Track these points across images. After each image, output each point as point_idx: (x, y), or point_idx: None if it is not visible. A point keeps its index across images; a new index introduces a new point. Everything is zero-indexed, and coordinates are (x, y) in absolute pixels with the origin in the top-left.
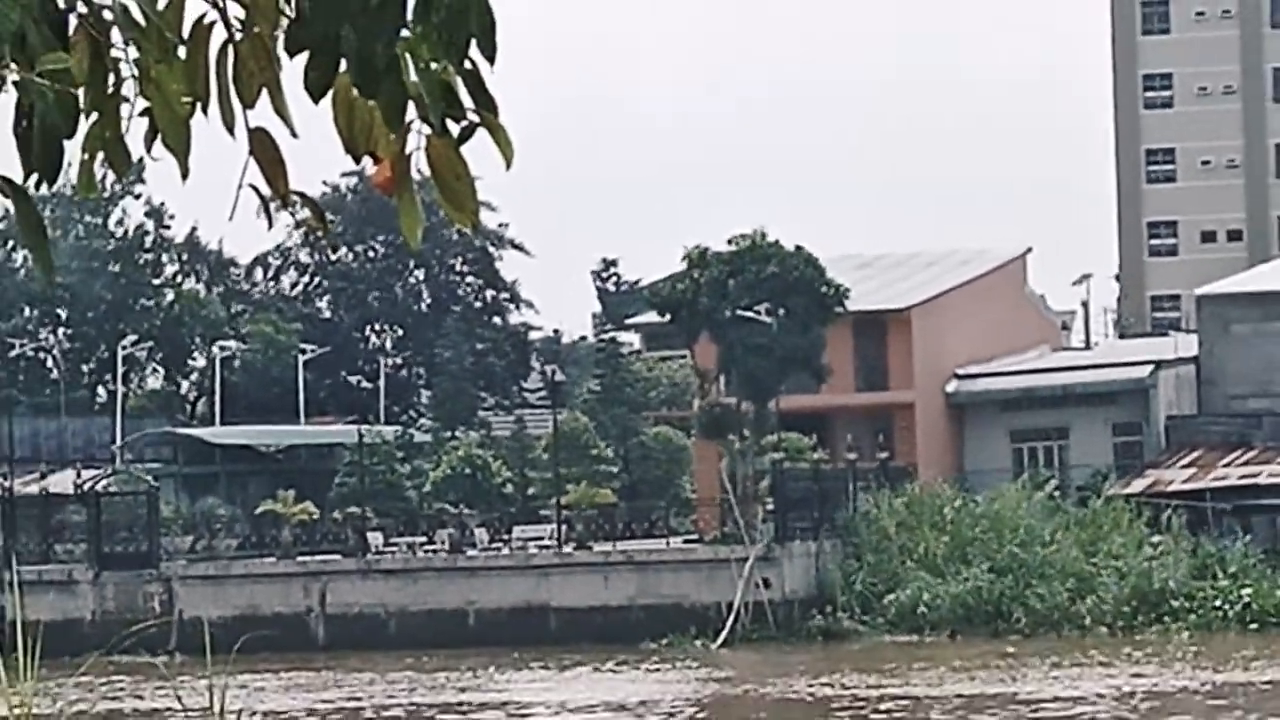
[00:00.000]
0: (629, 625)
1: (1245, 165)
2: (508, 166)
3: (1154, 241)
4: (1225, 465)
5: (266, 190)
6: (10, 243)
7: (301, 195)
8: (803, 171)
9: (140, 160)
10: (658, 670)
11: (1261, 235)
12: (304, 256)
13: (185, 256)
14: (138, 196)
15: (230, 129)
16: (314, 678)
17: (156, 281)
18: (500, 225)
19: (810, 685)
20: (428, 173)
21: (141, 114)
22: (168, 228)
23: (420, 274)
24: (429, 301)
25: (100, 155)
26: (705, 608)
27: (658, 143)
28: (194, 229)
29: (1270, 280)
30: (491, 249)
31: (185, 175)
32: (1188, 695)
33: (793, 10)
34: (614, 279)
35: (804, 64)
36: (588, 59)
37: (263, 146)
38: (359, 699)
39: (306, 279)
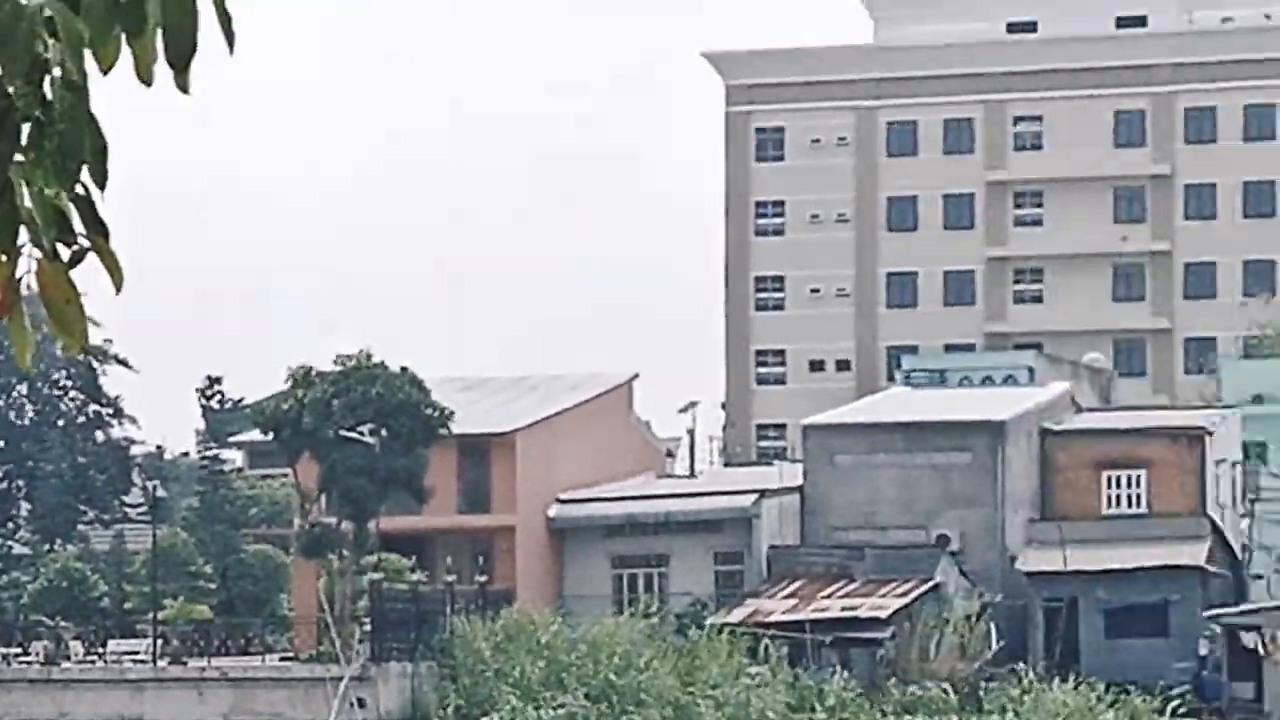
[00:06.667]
0: None
1: (855, 294)
2: (117, 291)
3: (761, 370)
4: (826, 597)
5: None
6: None
7: None
8: (409, 295)
9: None
10: None
11: (870, 366)
12: None
13: None
14: None
15: None
16: None
17: None
18: (105, 341)
19: None
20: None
21: None
22: None
23: (23, 388)
24: (32, 415)
25: None
26: None
27: (267, 265)
28: None
29: (876, 412)
30: (95, 364)
31: None
32: None
33: (414, 139)
34: (218, 396)
35: (413, 201)
36: (195, 185)
37: None
38: None
39: None
